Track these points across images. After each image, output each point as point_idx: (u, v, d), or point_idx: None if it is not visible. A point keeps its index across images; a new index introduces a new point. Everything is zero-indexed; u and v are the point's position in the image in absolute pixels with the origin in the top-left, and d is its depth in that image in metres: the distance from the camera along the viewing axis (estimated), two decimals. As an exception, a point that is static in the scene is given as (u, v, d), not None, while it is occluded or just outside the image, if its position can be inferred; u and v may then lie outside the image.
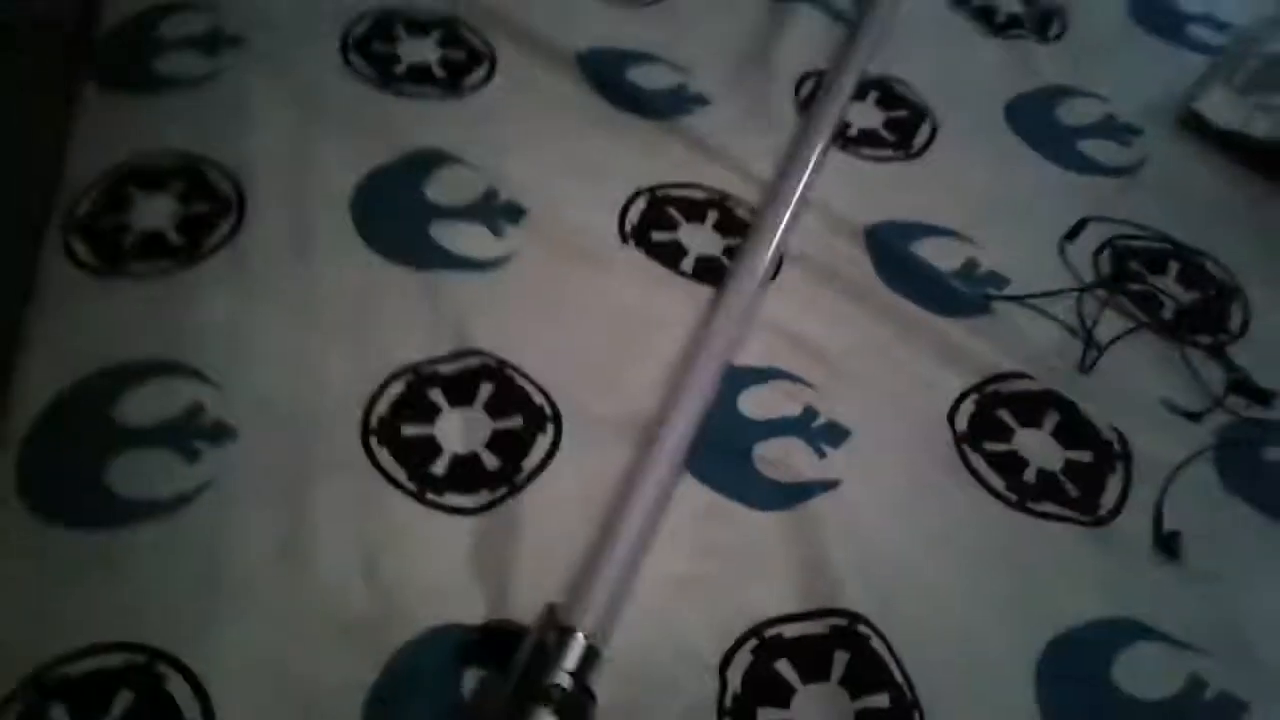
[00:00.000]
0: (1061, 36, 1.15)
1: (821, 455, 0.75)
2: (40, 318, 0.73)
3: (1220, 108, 1.03)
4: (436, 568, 0.65)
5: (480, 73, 0.97)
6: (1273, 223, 0.97)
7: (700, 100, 0.99)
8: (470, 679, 0.60)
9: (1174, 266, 0.93)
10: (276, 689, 0.59)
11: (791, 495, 0.72)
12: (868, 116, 1.01)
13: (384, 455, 0.70)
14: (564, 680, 0.58)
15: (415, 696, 0.59)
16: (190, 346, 0.73)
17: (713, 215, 0.90)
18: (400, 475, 0.69)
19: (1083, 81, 1.08)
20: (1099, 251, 0.93)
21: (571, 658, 0.59)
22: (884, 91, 1.04)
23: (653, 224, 0.88)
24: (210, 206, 0.81)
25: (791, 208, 0.88)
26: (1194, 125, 1.04)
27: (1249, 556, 0.75)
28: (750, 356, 0.80)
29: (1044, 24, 1.15)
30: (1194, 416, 0.82)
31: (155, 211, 0.80)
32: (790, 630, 0.66)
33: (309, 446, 0.70)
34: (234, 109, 0.88)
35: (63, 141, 0.82)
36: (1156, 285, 0.91)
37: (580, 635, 0.60)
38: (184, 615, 0.61)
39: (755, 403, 0.77)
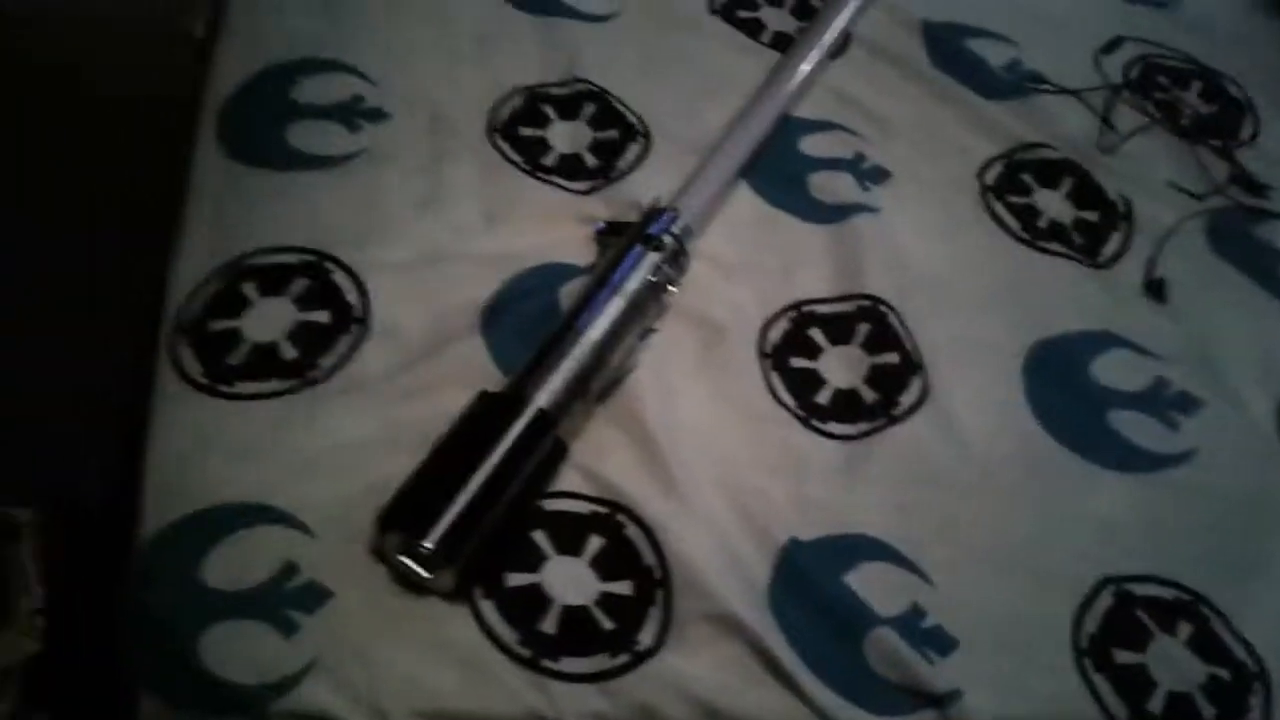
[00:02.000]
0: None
1: (865, 188, 0.89)
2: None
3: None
4: (545, 223, 0.81)
5: None
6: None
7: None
8: (563, 295, 0.76)
9: (1196, 85, 1.04)
10: (416, 292, 0.75)
11: (836, 213, 0.86)
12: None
13: (504, 146, 0.85)
14: (667, 238, 0.74)
15: (522, 302, 0.75)
16: (353, 50, 0.88)
17: (790, 1, 1.03)
18: (518, 159, 0.84)
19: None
20: (1131, 65, 1.04)
21: (675, 225, 0.77)
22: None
23: (739, 2, 1.01)
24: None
25: (857, -2, 1.01)
26: (1235, -32, 1.14)
27: (1225, 304, 0.88)
28: (812, 110, 0.94)
29: None
30: (1196, 196, 0.94)
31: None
32: (823, 308, 0.81)
33: (445, 134, 0.85)
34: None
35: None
36: (1178, 95, 1.02)
37: (680, 215, 0.77)
38: (345, 233, 0.77)
39: (812, 144, 0.91)
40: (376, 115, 0.85)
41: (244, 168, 0.80)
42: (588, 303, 0.72)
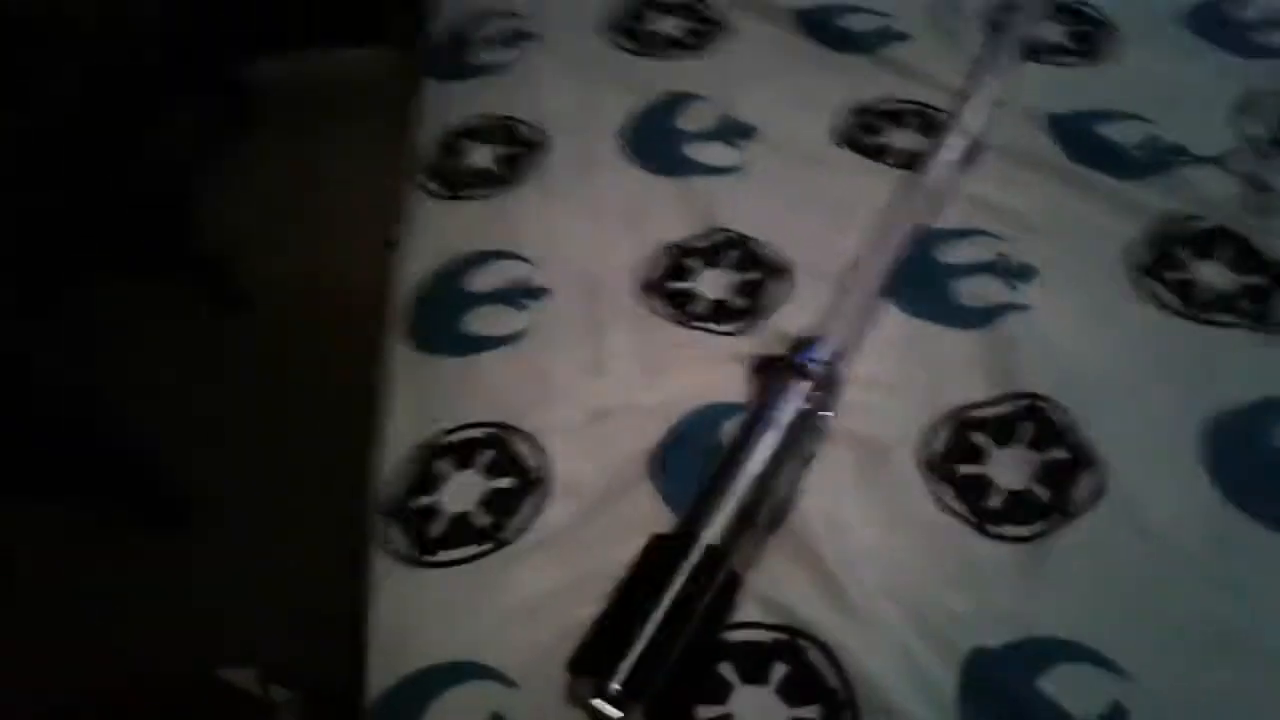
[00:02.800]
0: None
1: (1013, 288, 0.90)
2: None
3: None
4: (700, 368, 0.86)
5: (716, 35, 1.19)
6: None
7: (901, 36, 1.17)
8: (724, 433, 0.80)
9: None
10: (589, 450, 0.81)
11: (985, 316, 0.88)
12: (1053, 33, 1.15)
13: (655, 302, 0.92)
14: (817, 367, 0.79)
15: (686, 445, 0.80)
16: (514, 237, 0.98)
17: (914, 121, 1.07)
18: (669, 313, 0.91)
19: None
20: (1274, 119, 1.02)
21: (823, 351, 0.81)
22: (1069, 11, 1.18)
23: (861, 131, 1.06)
24: (522, 147, 1.07)
25: (981, 103, 1.04)
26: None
27: None
28: (951, 221, 0.96)
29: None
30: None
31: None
32: (983, 412, 0.82)
33: (600, 300, 0.93)
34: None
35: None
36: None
37: (826, 341, 0.82)
38: (521, 404, 0.85)
39: (954, 253, 0.94)
40: (539, 293, 0.94)
41: (428, 357, 0.90)
42: (745, 438, 0.77)
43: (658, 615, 0.66)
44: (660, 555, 0.70)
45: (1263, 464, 0.77)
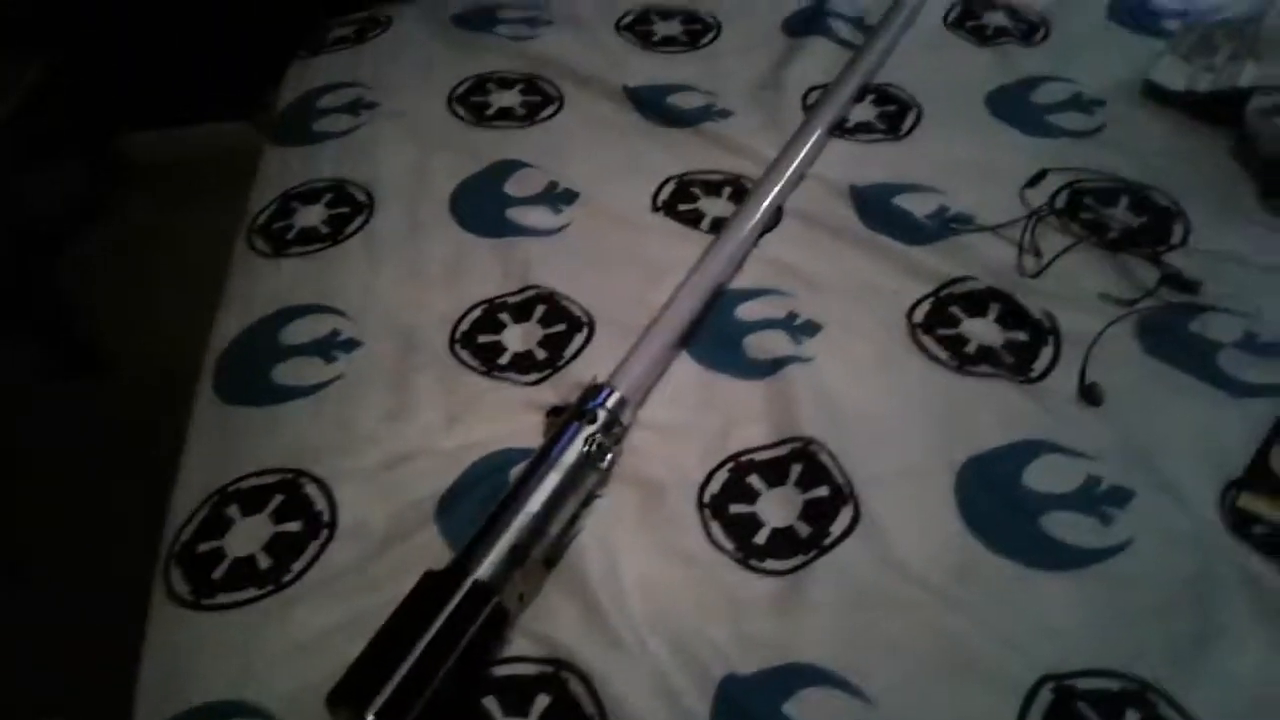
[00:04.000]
0: (1046, 39, 1.35)
1: (799, 342, 0.96)
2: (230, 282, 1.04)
3: (1171, 73, 1.21)
4: (499, 416, 0.90)
5: (551, 109, 1.26)
6: (1214, 159, 1.13)
7: (724, 113, 1.24)
8: (513, 474, 0.84)
9: (1124, 199, 1.10)
10: (380, 493, 0.84)
11: (770, 367, 0.93)
12: (863, 113, 1.24)
13: (464, 354, 0.96)
14: (601, 412, 0.83)
15: (474, 488, 0.83)
16: (333, 292, 1.01)
17: (728, 190, 1.14)
18: (475, 364, 0.95)
19: (1058, 70, 1.28)
20: (1057, 194, 1.11)
21: (609, 399, 0.85)
22: (879, 94, 1.27)
23: (679, 199, 1.12)
24: (351, 208, 1.11)
25: (787, 174, 1.11)
26: (1150, 92, 1.22)
27: (1161, 399, 0.90)
28: (747, 281, 1.03)
29: (1029, 32, 1.36)
30: (1127, 302, 0.98)
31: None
32: (760, 455, 0.87)
33: (412, 352, 0.96)
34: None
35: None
36: (1106, 213, 1.08)
37: (614, 389, 0.85)
38: (318, 451, 0.87)
39: (747, 310, 1.00)
40: (351, 345, 0.97)
41: (234, 408, 0.92)
42: (527, 478, 0.80)
43: (419, 648, 0.69)
44: (429, 591, 0.73)
45: (1008, 500, 0.83)
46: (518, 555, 0.75)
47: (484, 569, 0.74)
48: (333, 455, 0.87)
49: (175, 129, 2.18)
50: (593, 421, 0.84)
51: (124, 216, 2.07)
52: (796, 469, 0.85)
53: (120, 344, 1.80)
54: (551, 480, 0.80)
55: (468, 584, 0.73)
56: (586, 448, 0.82)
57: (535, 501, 0.78)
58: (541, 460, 0.82)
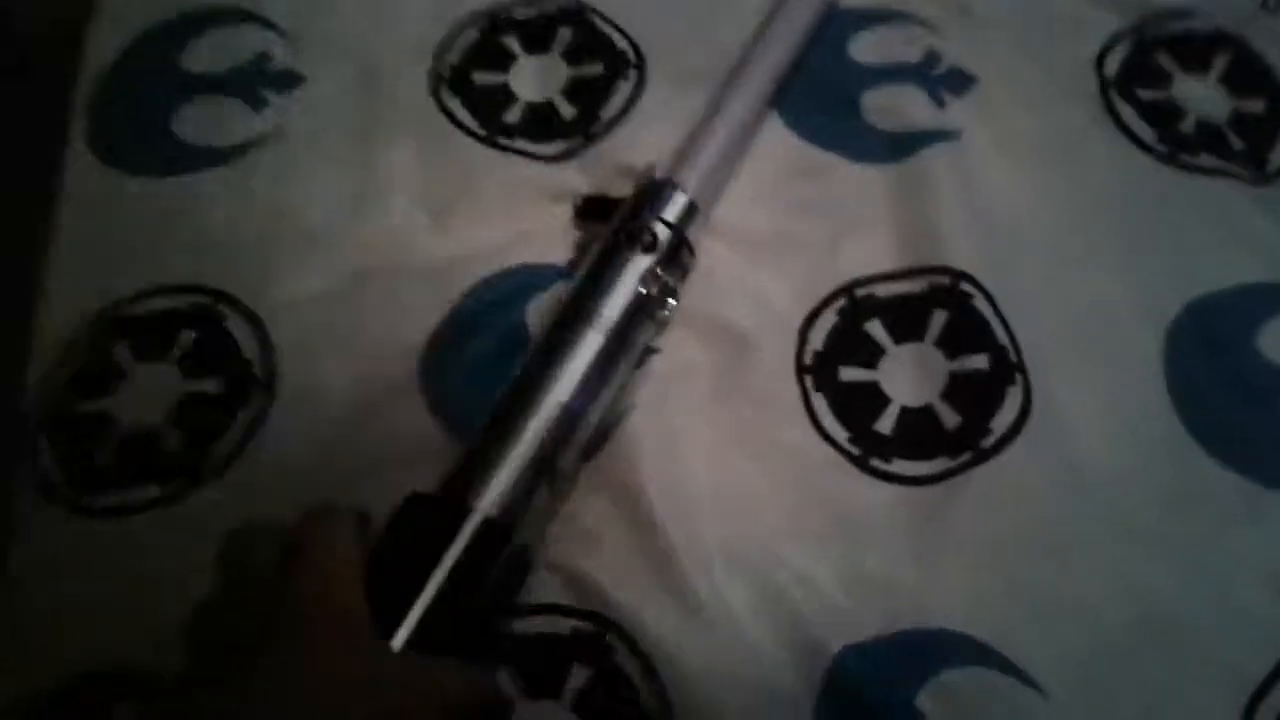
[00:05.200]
0: None
1: (941, 104, 0.66)
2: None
3: None
4: (506, 210, 0.62)
5: None
6: None
7: None
8: (533, 312, 0.57)
9: None
10: (335, 334, 0.58)
11: (899, 147, 0.64)
12: None
13: (453, 105, 0.66)
14: (660, 228, 0.55)
15: (475, 332, 0.57)
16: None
17: None
18: (471, 123, 0.65)
19: None
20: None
21: (672, 209, 0.56)
22: None
23: None
24: None
25: None
26: None
27: None
28: (865, -3, 0.70)
29: None
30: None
31: None
32: (884, 289, 0.60)
33: (376, 97, 0.66)
34: None
35: None
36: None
37: (681, 190, 0.57)
38: (248, 261, 0.60)
39: (868, 47, 0.69)
40: (289, 81, 0.66)
41: (119, 176, 0.63)
42: (551, 342, 0.54)
43: (402, 633, 0.46)
44: (412, 531, 0.48)
45: (1231, 379, 0.58)
46: (543, 469, 0.51)
47: (492, 497, 0.49)
48: (267, 268, 0.59)
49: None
50: (650, 248, 0.56)
51: None
52: (939, 320, 0.59)
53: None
54: (591, 343, 0.53)
55: (472, 522, 0.48)
56: (644, 290, 0.55)
57: (568, 381, 0.52)
58: (575, 310, 0.54)
